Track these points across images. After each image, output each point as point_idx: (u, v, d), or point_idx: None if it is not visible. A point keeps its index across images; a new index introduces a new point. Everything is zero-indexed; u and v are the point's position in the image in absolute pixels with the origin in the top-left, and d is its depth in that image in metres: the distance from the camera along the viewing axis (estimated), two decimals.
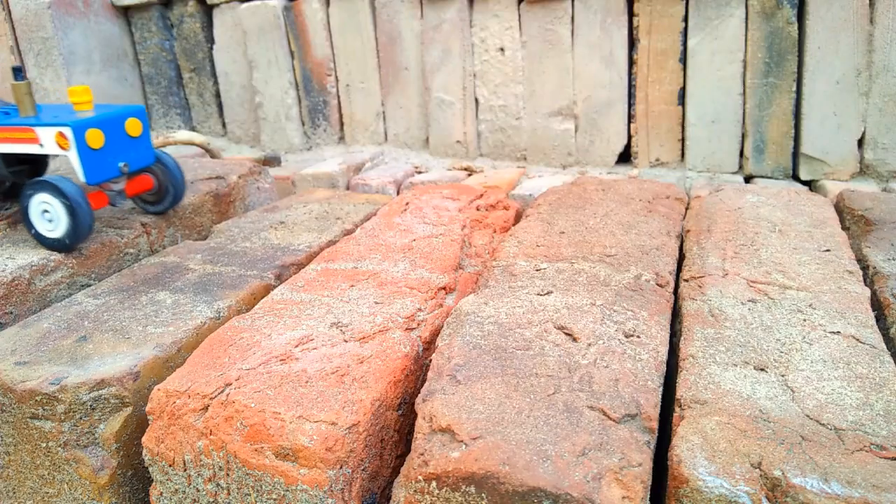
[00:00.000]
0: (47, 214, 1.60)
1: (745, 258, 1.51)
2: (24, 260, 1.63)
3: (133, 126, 1.69)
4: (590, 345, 1.18)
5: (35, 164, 1.96)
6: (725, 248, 1.56)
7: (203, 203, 2.15)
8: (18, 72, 1.69)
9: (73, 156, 1.60)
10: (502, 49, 2.66)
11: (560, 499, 0.88)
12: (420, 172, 2.67)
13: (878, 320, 1.34)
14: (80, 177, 1.61)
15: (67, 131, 1.58)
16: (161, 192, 1.88)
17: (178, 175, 1.85)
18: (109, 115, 1.65)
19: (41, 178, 1.60)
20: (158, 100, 3.36)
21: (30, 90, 1.70)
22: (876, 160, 2.29)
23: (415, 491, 0.97)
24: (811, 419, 0.99)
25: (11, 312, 1.56)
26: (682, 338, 1.24)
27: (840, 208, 1.88)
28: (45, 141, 1.63)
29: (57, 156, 1.72)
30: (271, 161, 2.95)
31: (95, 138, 1.60)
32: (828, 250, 1.54)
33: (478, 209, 1.98)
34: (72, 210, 1.57)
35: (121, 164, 1.68)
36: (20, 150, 1.69)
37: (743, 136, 2.42)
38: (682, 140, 2.52)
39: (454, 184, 2.31)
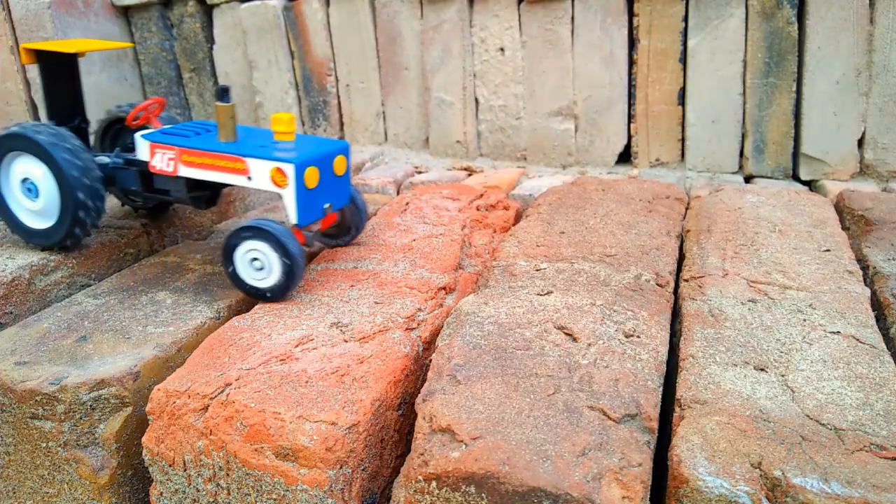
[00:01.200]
0: (257, 263, 1.41)
1: (745, 258, 1.51)
2: (24, 260, 1.63)
3: (340, 164, 1.51)
4: (590, 345, 1.18)
5: (213, 191, 1.71)
6: (725, 248, 1.56)
7: None
8: (225, 93, 1.49)
9: (289, 195, 1.41)
10: (502, 49, 2.66)
11: (560, 499, 0.88)
12: (420, 172, 2.67)
13: (878, 320, 1.34)
14: (292, 218, 1.43)
15: (289, 168, 1.39)
16: (343, 226, 1.69)
17: (363, 211, 1.68)
18: (324, 153, 1.46)
19: (259, 226, 1.39)
20: None
21: (234, 113, 1.51)
22: (876, 160, 2.29)
23: (415, 491, 0.97)
24: (811, 419, 0.99)
25: (11, 312, 1.56)
26: (682, 338, 1.24)
27: (840, 208, 1.88)
28: (257, 175, 1.44)
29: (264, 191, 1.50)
30: None
31: (312, 177, 1.42)
32: (828, 250, 1.53)
33: (478, 209, 1.98)
34: (290, 267, 1.38)
35: (325, 206, 1.49)
36: (221, 179, 1.49)
37: (743, 136, 2.42)
38: (682, 140, 2.52)
39: (454, 184, 2.31)
